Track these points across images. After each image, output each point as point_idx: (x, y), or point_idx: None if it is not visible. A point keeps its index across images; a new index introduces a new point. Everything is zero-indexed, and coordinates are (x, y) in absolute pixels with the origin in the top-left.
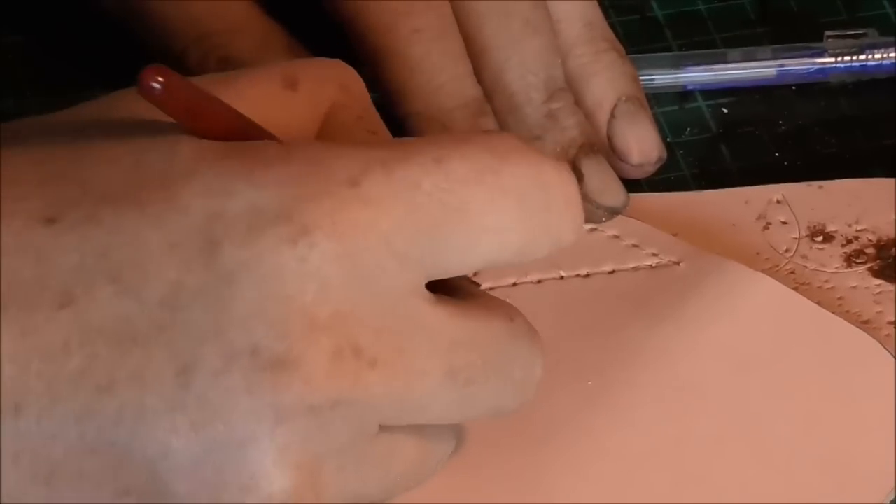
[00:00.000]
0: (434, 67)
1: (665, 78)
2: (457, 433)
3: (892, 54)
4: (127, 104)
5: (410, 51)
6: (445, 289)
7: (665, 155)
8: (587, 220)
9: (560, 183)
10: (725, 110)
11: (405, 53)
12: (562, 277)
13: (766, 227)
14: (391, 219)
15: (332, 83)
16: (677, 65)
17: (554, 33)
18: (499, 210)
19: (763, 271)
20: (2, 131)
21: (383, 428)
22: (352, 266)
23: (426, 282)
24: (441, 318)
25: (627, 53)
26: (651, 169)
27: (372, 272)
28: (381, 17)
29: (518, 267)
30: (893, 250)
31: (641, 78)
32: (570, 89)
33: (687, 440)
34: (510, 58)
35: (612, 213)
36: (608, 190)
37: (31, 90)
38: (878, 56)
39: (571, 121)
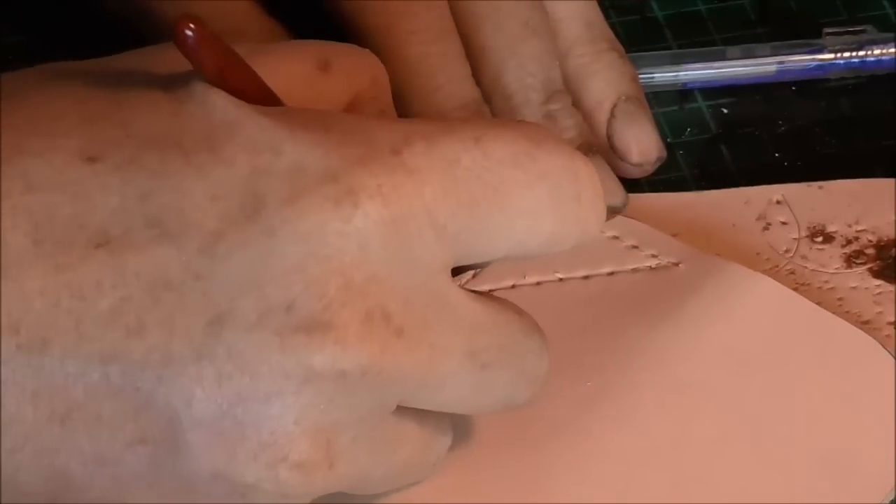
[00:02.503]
0: (432, 68)
1: (665, 76)
2: (452, 432)
3: (892, 50)
4: (163, 57)
5: (408, 52)
6: None
7: (665, 155)
8: None
9: (589, 175)
10: (725, 110)
11: (403, 54)
12: (561, 279)
13: (766, 228)
14: (434, 189)
15: (363, 73)
16: (677, 62)
17: (552, 35)
18: (534, 195)
19: (763, 272)
20: (44, 70)
21: (395, 411)
22: (393, 232)
23: (454, 265)
24: (464, 300)
25: (627, 53)
26: (650, 168)
27: (411, 240)
28: (379, 18)
29: (541, 258)
30: (893, 251)
31: (641, 76)
32: (570, 89)
33: (687, 441)
34: (508, 59)
35: (612, 212)
36: (607, 190)
37: None
38: (877, 52)
39: (569, 122)
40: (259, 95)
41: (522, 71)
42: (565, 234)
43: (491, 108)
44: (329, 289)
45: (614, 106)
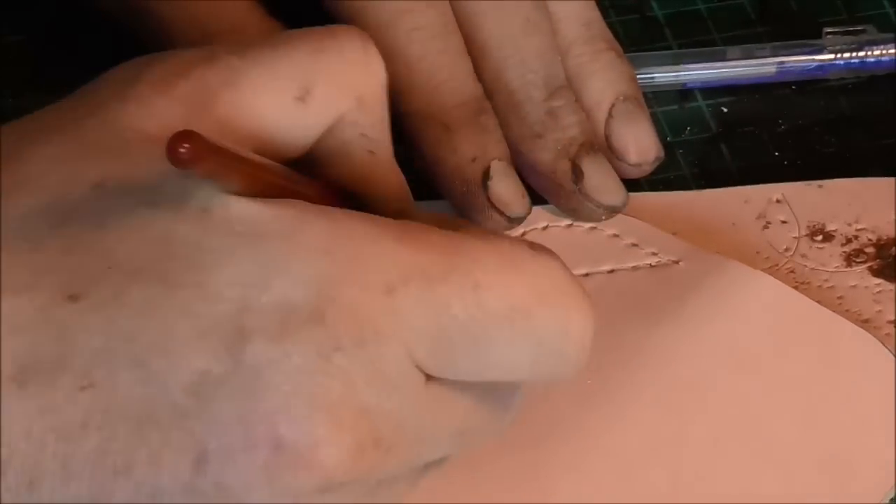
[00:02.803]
0: (433, 66)
1: (665, 76)
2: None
3: (892, 50)
4: (136, 121)
5: (409, 49)
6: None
7: (663, 155)
8: (587, 219)
9: (581, 334)
10: (725, 110)
11: (404, 52)
12: None
13: (765, 227)
14: (417, 334)
15: (347, 94)
16: (677, 63)
17: (553, 33)
18: (515, 353)
19: (763, 270)
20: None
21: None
22: (377, 368)
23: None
24: (453, 396)
25: (627, 53)
26: (649, 168)
27: (394, 373)
28: (380, 16)
29: None
30: (893, 249)
31: (641, 76)
32: None
33: (686, 439)
34: (510, 56)
35: (612, 211)
36: (608, 189)
37: (31, 90)
38: (877, 52)
39: (572, 119)
40: (266, 184)
41: (524, 67)
42: (536, 379)
43: (493, 104)
44: (316, 427)
45: (612, 106)
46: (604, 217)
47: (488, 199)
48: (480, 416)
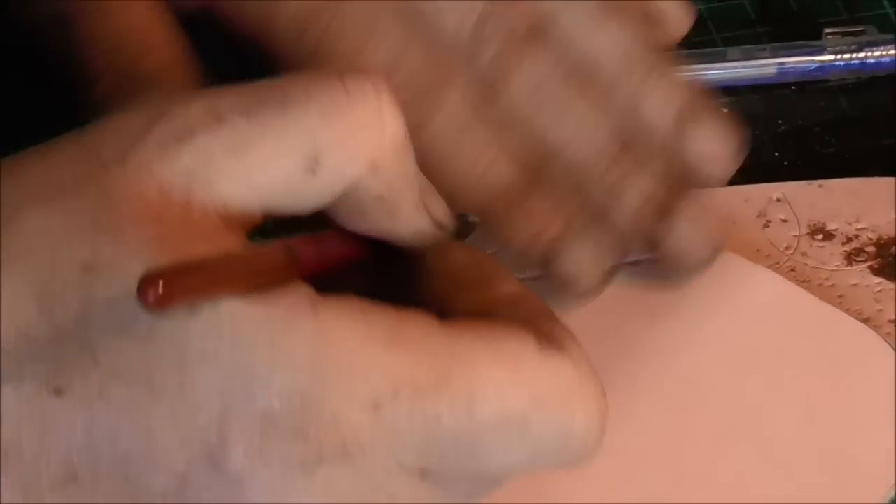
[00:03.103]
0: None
1: None
2: None
3: (892, 51)
4: (135, 186)
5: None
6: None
7: (743, 148)
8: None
9: (586, 432)
10: (725, 110)
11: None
12: None
13: (766, 225)
14: (403, 444)
15: (359, 161)
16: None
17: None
18: (511, 457)
19: None
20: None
21: None
22: (361, 478)
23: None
24: (447, 487)
25: None
26: (731, 168)
27: (380, 481)
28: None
29: None
30: (893, 249)
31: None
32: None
33: (687, 436)
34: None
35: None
36: (697, 242)
37: (31, 90)
38: (877, 53)
39: (637, 184)
40: (252, 285)
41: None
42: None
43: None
44: None
45: (675, 122)
46: (699, 269)
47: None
48: (481, 495)
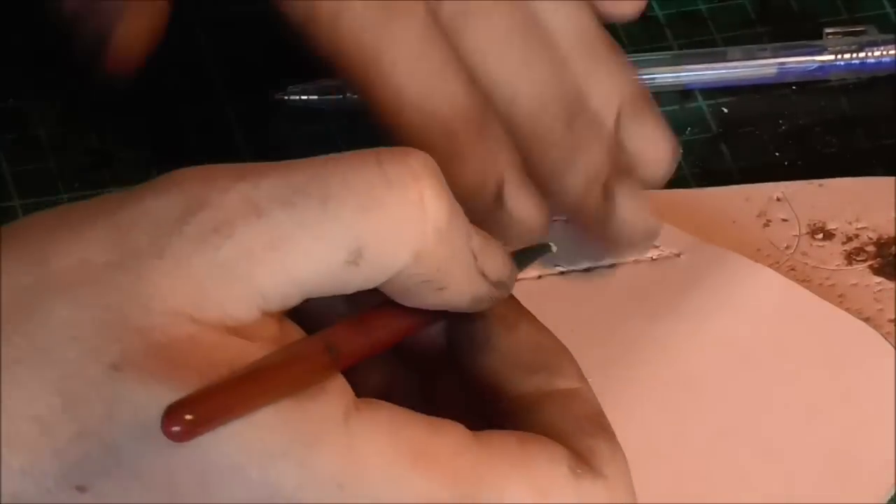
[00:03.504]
0: (422, 89)
1: (666, 76)
2: None
3: (892, 51)
4: (168, 281)
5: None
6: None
7: (679, 151)
8: (620, 253)
9: None
10: (726, 110)
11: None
12: (562, 272)
13: (766, 225)
14: None
15: (402, 253)
16: (678, 63)
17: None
18: None
19: None
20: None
21: None
22: None
23: None
24: None
25: (628, 54)
26: (669, 168)
27: None
28: (360, 55)
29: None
30: (893, 248)
31: (642, 77)
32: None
33: (687, 435)
34: (520, 90)
35: (647, 238)
36: (643, 215)
37: (31, 90)
38: (877, 53)
39: (596, 147)
40: (278, 395)
41: (537, 99)
42: None
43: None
44: None
45: (619, 111)
46: (637, 247)
47: (506, 219)
48: None
